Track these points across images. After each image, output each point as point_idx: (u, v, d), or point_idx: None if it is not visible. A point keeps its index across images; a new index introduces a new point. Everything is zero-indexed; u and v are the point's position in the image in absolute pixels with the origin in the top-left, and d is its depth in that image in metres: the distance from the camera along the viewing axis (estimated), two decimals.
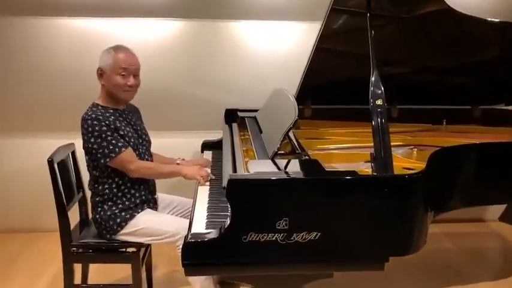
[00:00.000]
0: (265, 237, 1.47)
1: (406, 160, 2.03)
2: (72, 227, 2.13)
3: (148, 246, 2.29)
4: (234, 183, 1.45)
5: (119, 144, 1.96)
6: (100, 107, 2.02)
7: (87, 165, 2.06)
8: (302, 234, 1.48)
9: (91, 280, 2.35)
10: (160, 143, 2.80)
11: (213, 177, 2.10)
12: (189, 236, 1.50)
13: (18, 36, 2.97)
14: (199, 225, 1.66)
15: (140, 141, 2.14)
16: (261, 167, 1.60)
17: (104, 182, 2.04)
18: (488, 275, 2.67)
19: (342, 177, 1.49)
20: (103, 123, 1.94)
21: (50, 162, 2.00)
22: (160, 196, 2.30)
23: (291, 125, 1.71)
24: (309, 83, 2.49)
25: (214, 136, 2.82)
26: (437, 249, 2.96)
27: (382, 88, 1.67)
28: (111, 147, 1.94)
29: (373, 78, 1.68)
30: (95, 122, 1.93)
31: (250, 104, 2.91)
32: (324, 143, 2.31)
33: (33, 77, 3.02)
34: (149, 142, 2.23)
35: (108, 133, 1.95)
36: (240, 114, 2.68)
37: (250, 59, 3.10)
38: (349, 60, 2.40)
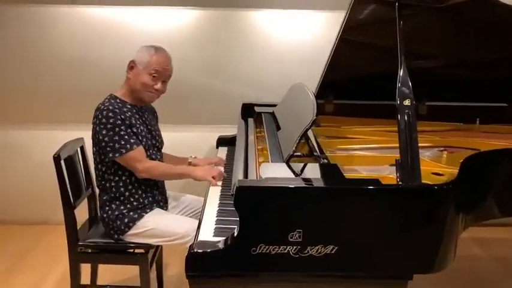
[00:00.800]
0: (277, 249, 1.34)
1: (435, 164, 1.86)
2: (82, 223, 2.07)
3: (158, 246, 2.20)
4: (242, 190, 1.32)
5: (131, 140, 1.87)
6: (118, 100, 1.94)
7: (94, 159, 1.98)
8: (317, 247, 1.35)
9: (100, 278, 2.29)
10: (175, 138, 2.71)
11: (226, 175, 1.98)
12: (195, 246, 1.38)
13: (27, 25, 2.90)
14: (207, 231, 1.55)
15: (153, 142, 2.05)
16: (274, 172, 1.47)
17: (110, 179, 1.95)
18: None
19: (363, 187, 1.34)
20: (118, 117, 1.86)
21: (56, 158, 1.92)
22: (171, 194, 2.20)
23: (309, 126, 1.57)
24: (331, 76, 2.33)
25: (230, 131, 2.70)
26: (464, 256, 2.77)
27: (411, 86, 1.50)
28: (122, 143, 1.85)
29: (401, 74, 1.51)
30: (111, 114, 1.85)
31: (269, 98, 2.79)
32: (345, 142, 2.15)
33: (44, 67, 2.96)
34: (162, 144, 2.14)
35: (122, 127, 1.86)
36: (257, 109, 2.54)
37: (269, 50, 2.96)
38: (375, 52, 2.22)
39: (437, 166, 1.85)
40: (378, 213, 1.36)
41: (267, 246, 1.34)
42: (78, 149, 2.16)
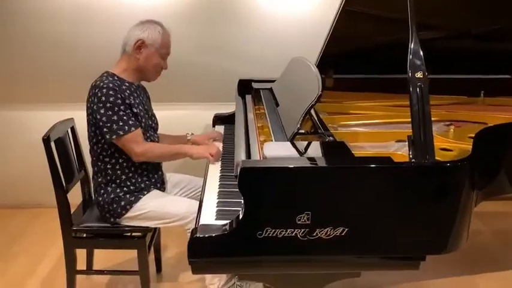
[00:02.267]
0: (284, 232, 1.27)
1: (443, 139, 1.79)
2: (75, 208, 1.98)
3: (156, 228, 2.13)
4: (247, 172, 1.24)
5: (130, 122, 1.77)
6: (116, 78, 1.82)
7: (89, 139, 1.88)
8: (326, 229, 1.28)
9: (97, 263, 2.23)
10: (170, 116, 2.61)
11: (221, 151, 1.91)
12: (197, 231, 1.30)
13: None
14: (209, 214, 1.48)
15: (150, 122, 1.96)
16: (278, 151, 1.39)
17: (106, 161, 1.86)
18: None
19: (375, 165, 1.26)
20: (119, 95, 1.76)
21: (46, 140, 1.82)
22: (168, 175, 2.12)
23: (314, 102, 1.48)
24: (331, 50, 2.22)
25: (226, 108, 2.61)
26: None
27: (422, 58, 1.41)
28: (120, 124, 1.75)
29: (412, 46, 1.42)
30: (111, 92, 1.74)
31: (266, 74, 2.68)
32: (348, 118, 2.07)
33: (30, 44, 2.81)
34: (157, 125, 2.05)
35: (122, 107, 1.76)
36: (254, 85, 2.43)
37: (266, 24, 2.82)
38: (379, 24, 2.12)
39: (445, 141, 1.78)
40: (390, 192, 1.29)
41: (273, 230, 1.27)
42: (69, 130, 2.05)
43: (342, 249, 1.31)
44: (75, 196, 2.04)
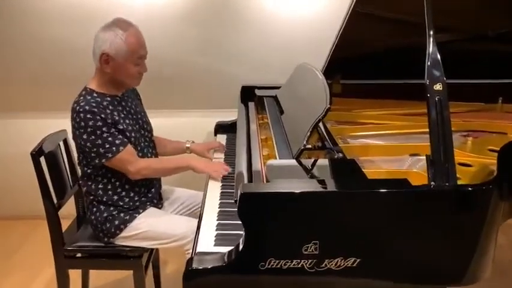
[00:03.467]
0: (289, 264, 1.15)
1: (461, 153, 1.65)
2: (70, 219, 1.87)
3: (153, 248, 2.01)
4: (247, 198, 1.11)
5: (116, 142, 1.64)
6: (95, 94, 1.68)
7: (78, 160, 1.77)
8: (336, 260, 1.15)
9: (94, 281, 2.12)
10: (169, 124, 2.49)
11: (230, 169, 1.78)
12: (193, 262, 1.18)
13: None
14: (207, 238, 1.37)
15: (142, 132, 1.83)
16: (282, 172, 1.27)
17: (98, 180, 1.74)
18: None
19: (390, 190, 1.14)
20: (98, 117, 1.61)
21: (35, 155, 1.71)
22: (166, 190, 2.00)
23: (322, 116, 1.35)
24: (340, 54, 2.08)
25: (229, 116, 2.49)
26: None
27: (442, 67, 1.28)
28: (107, 146, 1.63)
29: (430, 52, 1.29)
30: (89, 116, 1.60)
31: (270, 79, 2.56)
32: (358, 129, 1.93)
33: (20, 50, 2.70)
34: (151, 132, 1.91)
35: (104, 129, 1.62)
36: (257, 92, 2.30)
37: (271, 27, 2.68)
38: (392, 26, 1.98)
39: (463, 155, 1.65)
40: (407, 218, 1.16)
41: (277, 261, 1.15)
42: (61, 143, 1.94)
43: (353, 281, 1.18)
44: (69, 207, 1.93)
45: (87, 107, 1.60)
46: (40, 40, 2.68)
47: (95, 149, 1.63)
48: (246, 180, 1.35)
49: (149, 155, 1.84)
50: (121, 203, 1.75)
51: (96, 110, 1.61)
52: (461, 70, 2.34)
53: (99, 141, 1.62)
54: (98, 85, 1.71)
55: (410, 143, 1.74)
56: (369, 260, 1.16)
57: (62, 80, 2.70)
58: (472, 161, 1.60)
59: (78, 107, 1.61)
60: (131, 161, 1.68)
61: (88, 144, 1.62)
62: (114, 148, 1.63)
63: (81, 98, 1.65)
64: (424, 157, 1.57)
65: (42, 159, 1.75)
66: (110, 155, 1.63)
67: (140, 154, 1.77)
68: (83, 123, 1.60)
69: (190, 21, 2.67)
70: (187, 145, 2.08)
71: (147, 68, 1.75)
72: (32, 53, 2.70)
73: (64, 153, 1.96)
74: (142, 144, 1.80)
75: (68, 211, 1.88)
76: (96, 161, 1.65)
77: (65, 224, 1.86)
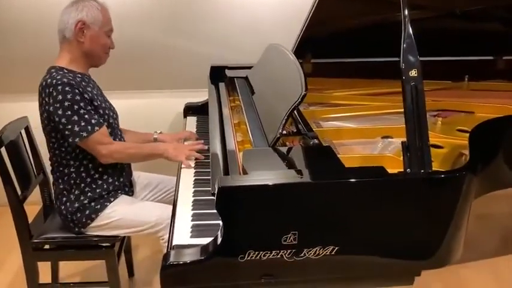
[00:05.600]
0: (268, 254, 1.15)
1: (432, 133, 1.65)
2: (34, 206, 1.80)
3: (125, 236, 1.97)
4: (226, 191, 1.09)
5: (93, 121, 1.59)
6: (65, 71, 1.61)
7: (47, 141, 1.68)
8: (315, 249, 1.16)
9: (63, 272, 2.06)
10: (136, 105, 2.42)
11: (202, 157, 1.74)
12: (170, 255, 1.16)
13: None
14: (183, 229, 1.34)
15: (111, 114, 1.76)
16: (259, 162, 1.25)
17: (70, 164, 1.68)
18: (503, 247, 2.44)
19: (368, 179, 1.14)
20: (76, 91, 1.56)
21: None
22: (137, 175, 1.94)
23: (297, 103, 1.33)
24: (311, 33, 2.05)
25: (198, 96, 2.43)
26: None
27: (417, 51, 1.27)
28: (82, 124, 1.57)
29: (405, 36, 1.27)
30: (67, 88, 1.54)
31: (240, 59, 2.49)
32: (330, 111, 1.93)
33: None
34: (117, 118, 1.84)
35: (82, 104, 1.57)
36: (228, 73, 2.24)
37: (240, 5, 2.59)
38: (364, 5, 1.96)
39: (434, 136, 1.67)
40: (383, 206, 1.18)
41: (257, 252, 1.14)
42: (23, 131, 1.83)
43: (332, 269, 1.20)
44: (34, 197, 1.85)
45: (65, 80, 1.55)
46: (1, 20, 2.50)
47: (69, 126, 1.56)
48: (221, 171, 1.32)
49: (118, 138, 1.78)
50: (93, 186, 1.69)
51: (73, 83, 1.56)
52: (428, 48, 2.37)
53: (75, 118, 1.56)
54: (67, 62, 1.65)
55: (381, 125, 1.75)
56: (347, 247, 1.17)
57: (23, 61, 2.54)
58: (443, 142, 1.63)
59: (54, 81, 1.55)
60: (105, 142, 1.63)
61: (63, 120, 1.55)
62: (89, 127, 1.58)
63: (53, 74, 1.58)
64: (396, 140, 1.61)
65: (3, 150, 1.65)
66: (84, 134, 1.57)
67: (112, 136, 1.71)
68: (60, 97, 1.54)
69: (159, 0, 2.55)
70: (155, 136, 2.00)
71: (114, 44, 1.73)
72: None
73: (26, 141, 1.86)
74: (114, 124, 1.75)
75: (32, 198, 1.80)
76: (70, 140, 1.58)
77: (30, 212, 1.78)
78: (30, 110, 1.84)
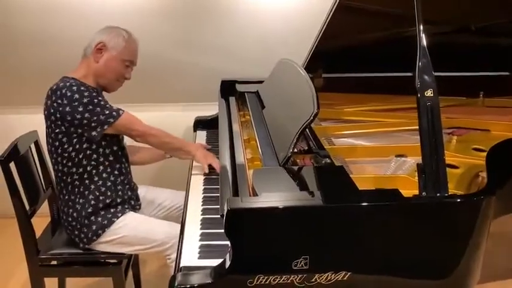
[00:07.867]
0: (278, 279, 1.11)
1: (447, 153, 1.61)
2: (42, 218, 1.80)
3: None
4: (236, 214, 1.06)
5: (114, 108, 1.63)
6: (78, 82, 1.64)
7: (50, 152, 1.67)
8: (327, 274, 1.12)
9: (71, 286, 2.03)
10: (146, 118, 2.37)
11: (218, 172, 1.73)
12: (177, 279, 1.13)
13: None
14: (191, 249, 1.31)
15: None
16: (270, 183, 1.21)
17: (72, 172, 1.66)
18: None
19: (384, 203, 1.11)
20: (91, 90, 1.61)
21: (3, 162, 1.60)
22: (143, 190, 1.92)
23: (309, 122, 1.30)
24: (324, 47, 2.03)
25: (208, 109, 2.41)
26: None
27: (432, 70, 1.24)
28: (107, 112, 1.60)
29: (420, 55, 1.24)
30: (82, 88, 1.58)
31: (249, 72, 2.48)
32: (341, 128, 1.89)
33: None
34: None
35: (100, 97, 1.61)
36: (238, 87, 2.23)
37: (249, 18, 2.59)
38: (380, 21, 1.93)
39: (449, 155, 1.62)
40: (397, 230, 1.14)
41: (266, 277, 1.10)
42: (32, 145, 1.83)
43: None
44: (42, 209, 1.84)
45: (78, 82, 1.61)
46: (9, 33, 2.52)
47: (94, 118, 1.58)
48: (231, 191, 1.30)
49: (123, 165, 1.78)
50: (97, 193, 1.67)
51: (85, 88, 1.61)
52: (442, 63, 2.33)
53: (98, 109, 1.58)
54: (81, 76, 1.67)
55: (395, 144, 1.71)
56: (360, 273, 1.13)
57: (32, 74, 2.55)
58: (458, 162, 1.59)
59: (67, 83, 1.59)
60: (136, 121, 1.68)
61: (86, 115, 1.57)
62: (114, 113, 1.61)
63: (65, 80, 1.62)
64: (410, 159, 1.57)
65: (12, 165, 1.64)
66: (111, 120, 1.60)
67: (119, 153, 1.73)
68: (77, 96, 1.56)
69: (169, 14, 2.56)
70: (167, 156, 1.98)
71: (131, 76, 1.75)
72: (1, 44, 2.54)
73: (36, 155, 1.86)
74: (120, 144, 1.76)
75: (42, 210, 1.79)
76: (98, 130, 1.60)
77: (39, 224, 1.78)
78: (39, 123, 1.83)
